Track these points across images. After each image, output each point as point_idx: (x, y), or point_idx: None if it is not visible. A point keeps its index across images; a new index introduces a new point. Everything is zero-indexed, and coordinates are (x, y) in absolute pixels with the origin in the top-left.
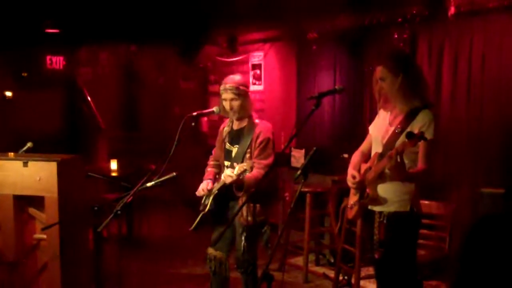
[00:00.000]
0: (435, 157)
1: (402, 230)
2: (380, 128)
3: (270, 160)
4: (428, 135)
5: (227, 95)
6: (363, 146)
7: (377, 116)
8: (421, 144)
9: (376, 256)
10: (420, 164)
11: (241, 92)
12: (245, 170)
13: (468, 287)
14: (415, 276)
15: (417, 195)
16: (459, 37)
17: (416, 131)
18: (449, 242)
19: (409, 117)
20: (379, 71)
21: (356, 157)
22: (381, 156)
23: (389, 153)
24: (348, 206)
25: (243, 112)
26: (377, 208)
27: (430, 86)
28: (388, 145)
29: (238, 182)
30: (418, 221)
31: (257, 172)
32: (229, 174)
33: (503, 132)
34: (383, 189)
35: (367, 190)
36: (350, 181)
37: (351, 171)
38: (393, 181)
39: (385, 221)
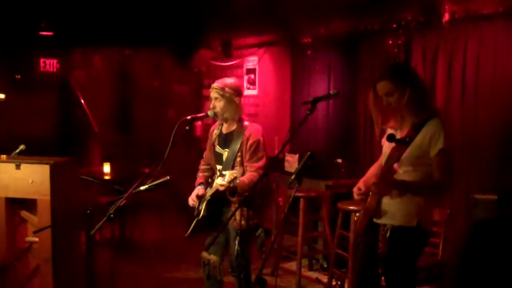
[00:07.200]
0: (452, 167)
1: (403, 246)
2: (390, 146)
3: (262, 162)
4: (440, 145)
5: (212, 95)
6: (381, 159)
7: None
8: (434, 156)
9: (379, 271)
10: (435, 177)
11: (226, 94)
12: (235, 178)
13: None
14: None
15: (428, 210)
16: (453, 44)
17: (426, 141)
18: (442, 248)
19: (417, 127)
20: (384, 86)
21: (372, 169)
22: None
23: (374, 182)
24: (356, 219)
25: (227, 114)
26: (381, 221)
27: None
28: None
29: (231, 189)
30: (424, 239)
31: (250, 175)
32: (220, 183)
33: (497, 138)
34: (388, 202)
35: (368, 199)
36: (355, 193)
37: (359, 183)
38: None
39: (387, 235)
